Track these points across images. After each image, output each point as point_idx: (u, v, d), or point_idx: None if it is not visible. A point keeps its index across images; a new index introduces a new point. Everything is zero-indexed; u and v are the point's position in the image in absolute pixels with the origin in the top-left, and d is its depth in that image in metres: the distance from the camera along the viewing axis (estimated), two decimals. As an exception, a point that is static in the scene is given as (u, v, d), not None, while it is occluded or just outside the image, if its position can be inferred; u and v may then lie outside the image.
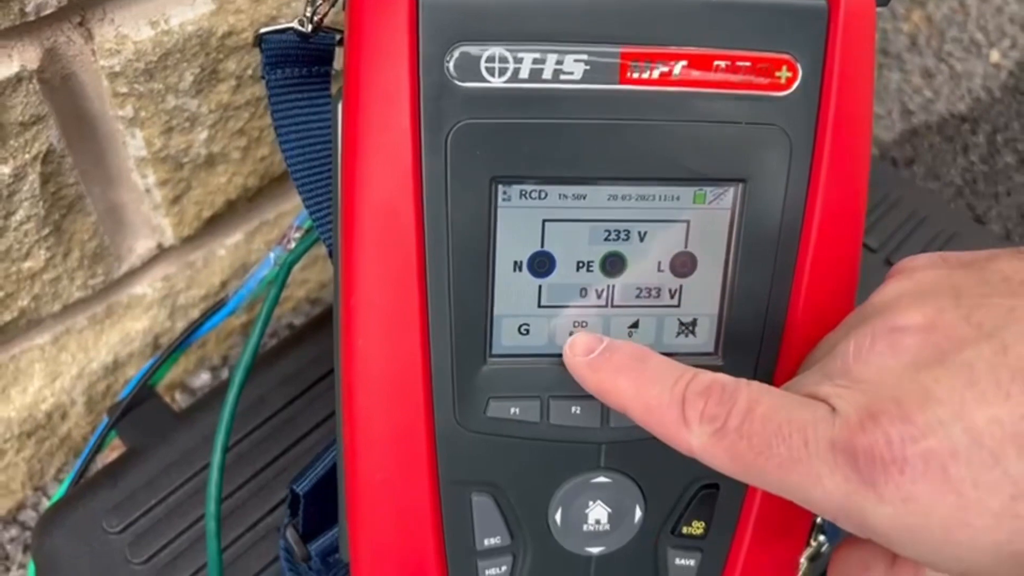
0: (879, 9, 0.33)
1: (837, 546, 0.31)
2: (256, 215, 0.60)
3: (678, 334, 0.34)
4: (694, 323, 0.34)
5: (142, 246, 0.55)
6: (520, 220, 0.31)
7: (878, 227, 0.61)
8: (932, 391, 0.23)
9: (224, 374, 0.66)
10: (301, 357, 0.51)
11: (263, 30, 0.35)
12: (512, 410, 0.33)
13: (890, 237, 0.60)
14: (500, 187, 0.31)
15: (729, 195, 0.32)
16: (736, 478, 0.26)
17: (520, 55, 0.30)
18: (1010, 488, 0.22)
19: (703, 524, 0.35)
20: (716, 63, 0.30)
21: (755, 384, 0.27)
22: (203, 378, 0.66)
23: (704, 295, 0.33)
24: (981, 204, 0.84)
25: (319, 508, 0.39)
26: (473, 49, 0.30)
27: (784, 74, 0.31)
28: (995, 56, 0.97)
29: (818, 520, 0.44)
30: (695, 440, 0.26)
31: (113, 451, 0.57)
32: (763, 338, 0.33)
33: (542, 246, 0.32)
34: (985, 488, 0.22)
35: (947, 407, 0.22)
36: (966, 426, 0.22)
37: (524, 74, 0.30)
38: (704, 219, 0.32)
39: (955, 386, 0.23)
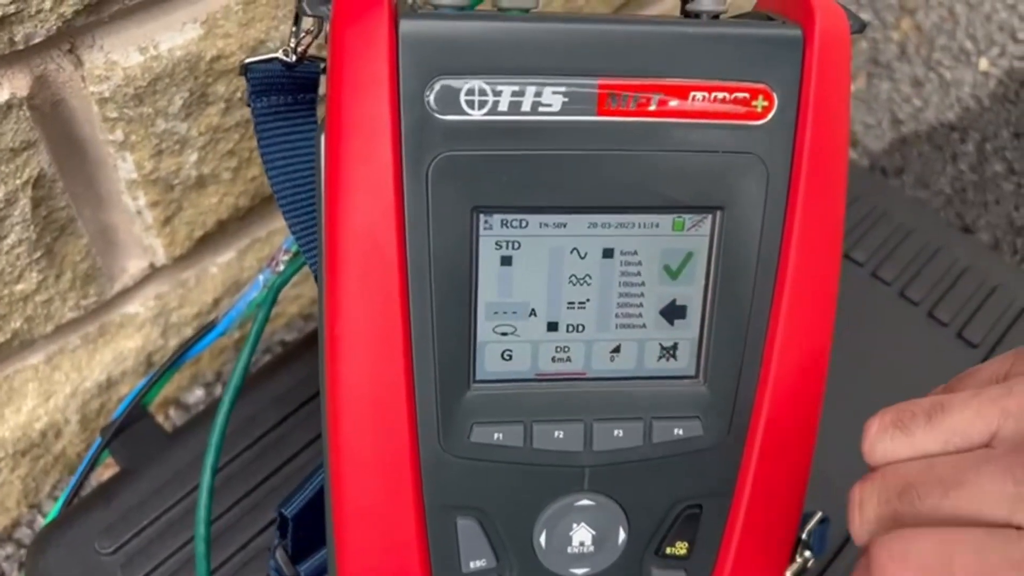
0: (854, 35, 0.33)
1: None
2: (248, 233, 0.60)
3: (659, 358, 0.34)
4: (675, 347, 0.34)
5: (134, 266, 0.55)
6: (502, 248, 0.32)
7: (864, 241, 0.61)
8: None
9: (218, 390, 0.67)
10: (292, 376, 0.51)
11: (248, 60, 0.36)
12: (496, 435, 0.33)
13: (876, 251, 0.61)
14: (481, 216, 0.31)
15: (707, 223, 0.33)
16: None
17: (499, 88, 0.30)
18: None
19: (687, 544, 0.36)
20: (693, 94, 0.31)
21: None
22: (197, 394, 0.66)
23: (685, 320, 0.34)
24: (970, 213, 0.85)
25: (308, 530, 0.40)
26: (453, 82, 0.30)
27: (760, 103, 0.32)
28: (984, 64, 0.97)
29: (803, 536, 0.45)
30: None
31: (108, 468, 0.58)
32: (743, 361, 0.34)
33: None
34: None
35: None
36: None
37: (503, 107, 0.30)
38: (684, 246, 0.33)
39: None
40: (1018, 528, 0.25)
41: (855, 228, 0.61)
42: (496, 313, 0.33)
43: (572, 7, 0.67)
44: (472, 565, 0.35)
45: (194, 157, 0.51)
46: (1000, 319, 0.57)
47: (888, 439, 0.29)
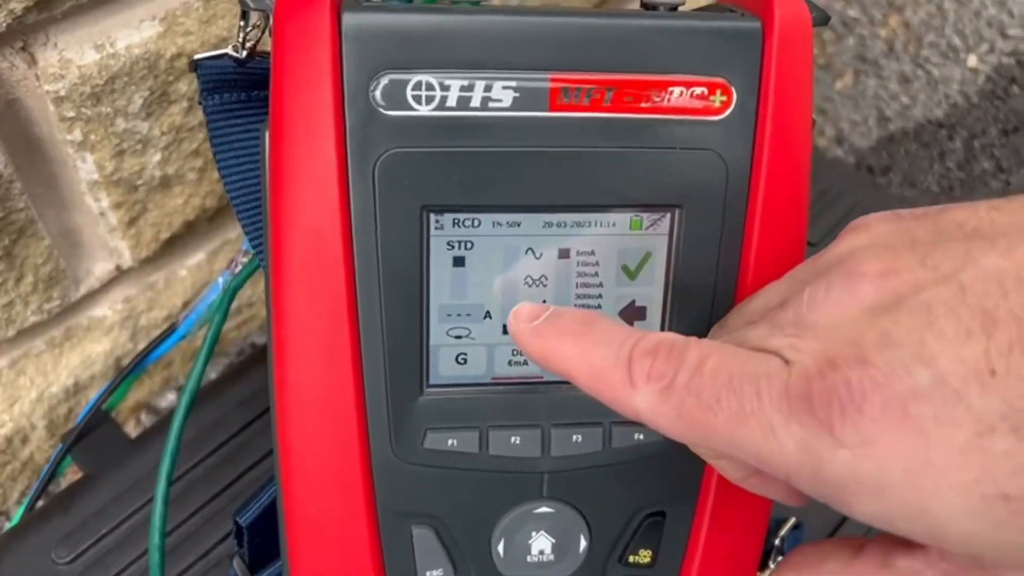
0: (817, 27, 0.32)
1: (791, 551, 0.30)
2: (218, 235, 0.59)
3: (619, 361, 0.33)
4: (635, 350, 0.33)
5: (100, 268, 0.54)
6: (454, 248, 0.31)
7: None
8: (891, 333, 0.22)
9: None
10: (258, 380, 0.50)
11: (197, 56, 0.35)
12: (450, 442, 0.32)
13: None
14: (432, 215, 0.30)
15: (666, 221, 0.32)
16: (684, 440, 0.25)
17: (447, 82, 0.29)
18: (974, 424, 0.21)
19: (650, 552, 0.35)
20: (649, 89, 0.30)
21: (705, 341, 0.26)
22: (169, 398, 0.65)
23: (645, 322, 0.33)
24: (957, 211, 0.84)
25: (265, 538, 0.39)
26: (399, 77, 0.29)
27: (719, 98, 0.31)
28: (972, 61, 0.96)
29: (776, 542, 0.44)
30: (641, 401, 0.25)
31: (77, 474, 0.57)
32: (706, 364, 0.33)
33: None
34: (948, 424, 0.21)
35: (907, 348, 0.22)
36: (926, 365, 0.21)
37: (452, 102, 0.29)
38: (642, 245, 0.32)
39: (914, 327, 0.22)
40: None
41: (836, 226, 0.60)
42: (449, 315, 0.32)
43: (549, 3, 0.66)
44: (429, 575, 0.34)
45: (157, 157, 0.50)
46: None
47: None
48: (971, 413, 0.21)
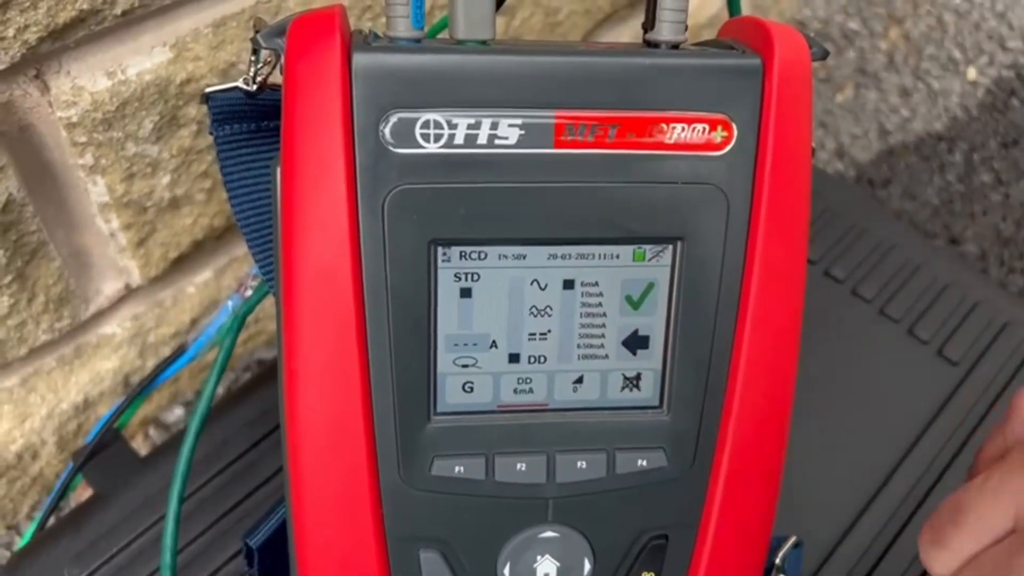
0: (815, 63, 0.33)
1: None
2: (225, 252, 0.60)
3: (623, 388, 0.34)
4: (638, 378, 0.34)
5: (109, 287, 0.55)
6: (461, 280, 0.32)
7: (845, 258, 0.61)
8: None
9: (198, 408, 0.66)
10: (265, 399, 0.51)
11: (209, 89, 0.36)
12: (457, 468, 0.33)
13: (857, 268, 0.60)
14: (439, 249, 0.31)
15: (668, 253, 0.32)
16: None
17: (455, 121, 0.30)
18: None
19: (653, 575, 0.36)
20: (651, 125, 0.31)
21: None
22: (176, 413, 0.66)
23: (647, 350, 0.33)
24: (957, 224, 0.84)
25: (275, 559, 0.39)
26: (407, 115, 0.30)
27: (720, 134, 0.31)
28: (972, 74, 0.97)
29: (777, 561, 0.44)
30: None
31: (87, 489, 0.58)
32: (707, 392, 0.34)
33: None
34: None
35: None
36: None
37: (459, 139, 0.30)
38: (645, 276, 0.32)
39: None
40: None
41: (836, 244, 0.61)
42: (456, 345, 0.33)
43: (551, 21, 0.67)
44: (436, 597, 0.34)
45: (167, 179, 0.51)
46: (980, 337, 0.57)
47: (934, 557, 0.32)
48: None
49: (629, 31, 0.77)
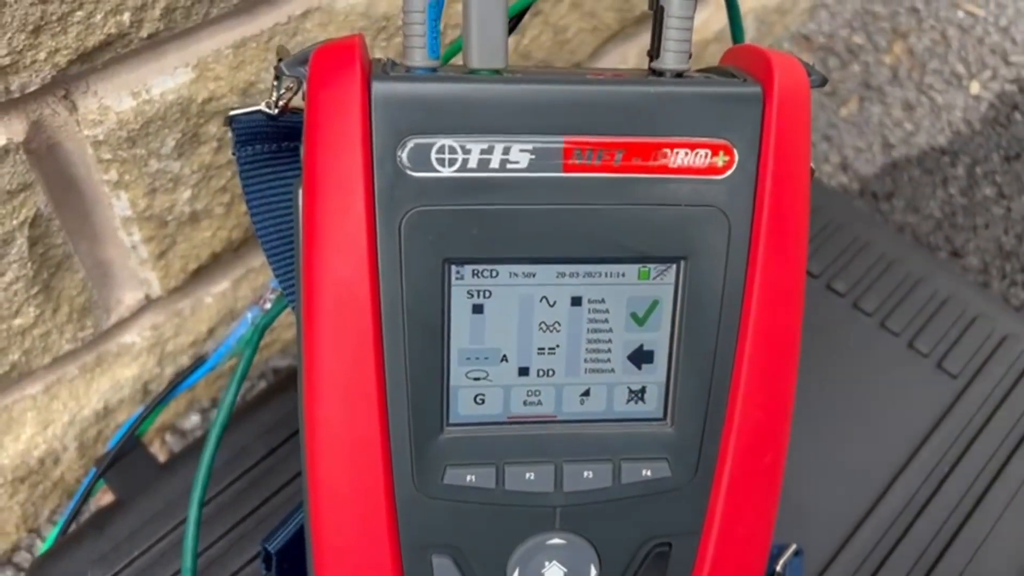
0: (814, 89, 0.34)
1: None
2: (242, 264, 0.62)
3: (628, 401, 0.35)
4: (643, 391, 0.35)
5: (130, 298, 0.57)
6: (473, 297, 0.33)
7: (847, 271, 0.62)
8: None
9: (213, 415, 0.68)
10: (283, 406, 0.52)
11: (232, 112, 0.37)
12: (468, 477, 0.34)
13: (858, 281, 0.62)
14: (453, 267, 0.33)
15: (672, 272, 0.34)
16: None
17: (469, 146, 0.31)
18: None
19: (657, 581, 0.37)
20: (656, 150, 0.32)
21: None
22: (193, 420, 0.67)
23: (652, 365, 0.35)
24: (959, 237, 0.85)
25: (292, 563, 0.41)
26: (424, 141, 0.31)
27: (722, 159, 0.33)
28: (975, 88, 0.98)
29: (778, 568, 0.45)
30: None
31: (108, 493, 0.59)
32: (709, 404, 0.35)
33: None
34: None
35: None
36: None
37: (473, 164, 0.32)
38: (649, 294, 0.34)
39: None
40: None
41: (837, 258, 0.63)
42: (468, 359, 0.34)
43: (560, 39, 0.69)
44: (448, 601, 0.36)
45: (187, 194, 0.52)
46: (979, 350, 0.58)
47: None
48: None
49: (636, 47, 0.79)
